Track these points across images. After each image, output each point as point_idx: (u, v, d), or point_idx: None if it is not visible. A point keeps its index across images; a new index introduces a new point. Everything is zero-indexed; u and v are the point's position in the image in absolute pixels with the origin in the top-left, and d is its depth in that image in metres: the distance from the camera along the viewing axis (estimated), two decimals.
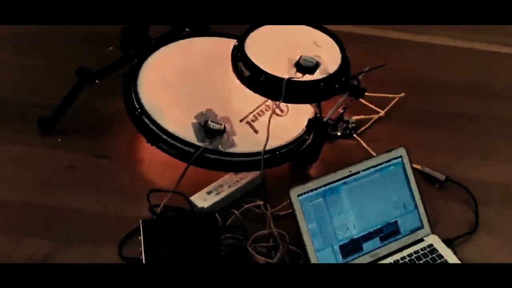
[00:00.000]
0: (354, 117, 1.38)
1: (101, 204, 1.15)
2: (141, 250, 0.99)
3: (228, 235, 1.08)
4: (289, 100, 1.18)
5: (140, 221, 1.01)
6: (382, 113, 1.42)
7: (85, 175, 1.20)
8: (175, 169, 1.17)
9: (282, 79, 1.15)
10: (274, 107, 1.23)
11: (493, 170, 1.33)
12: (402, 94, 1.43)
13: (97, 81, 1.25)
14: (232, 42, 1.26)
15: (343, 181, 1.09)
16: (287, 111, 1.26)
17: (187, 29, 1.44)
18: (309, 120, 1.20)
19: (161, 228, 1.01)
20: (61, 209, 1.14)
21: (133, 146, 1.27)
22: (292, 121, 1.25)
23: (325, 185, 1.07)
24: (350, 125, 1.37)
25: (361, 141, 1.35)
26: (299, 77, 1.17)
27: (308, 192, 1.05)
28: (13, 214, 1.12)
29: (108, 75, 1.28)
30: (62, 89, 1.27)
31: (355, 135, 1.36)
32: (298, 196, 1.04)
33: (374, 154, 1.27)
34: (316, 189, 1.06)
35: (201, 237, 1.01)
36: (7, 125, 1.28)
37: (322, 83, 1.16)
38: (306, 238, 1.04)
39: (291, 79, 1.15)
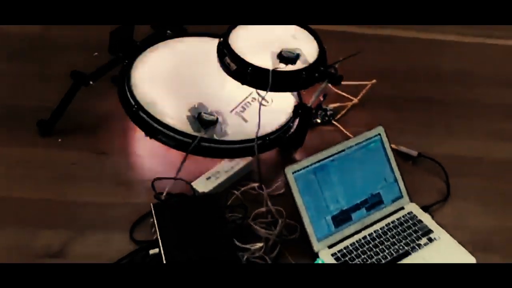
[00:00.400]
0: (331, 105, 1.50)
1: (108, 195, 1.23)
2: (153, 231, 1.07)
3: (230, 214, 1.17)
4: (275, 89, 1.27)
5: (151, 204, 1.09)
6: (355, 100, 1.54)
7: (88, 170, 1.27)
8: (171, 160, 1.26)
9: (268, 70, 1.25)
10: (260, 98, 1.33)
11: (458, 145, 1.47)
12: (374, 81, 1.55)
13: (91, 82, 1.32)
14: (211, 41, 1.36)
15: (331, 158, 1.20)
16: (272, 102, 1.36)
17: (168, 32, 1.53)
18: (295, 106, 1.31)
19: (170, 210, 1.10)
20: (71, 201, 1.21)
21: (129, 141, 1.35)
22: (276, 110, 1.35)
23: (315, 163, 1.18)
24: (328, 113, 1.48)
25: (340, 126, 1.46)
26: (282, 67, 1.28)
27: (301, 169, 1.16)
28: (27, 209, 1.19)
29: (101, 76, 1.35)
30: (55, 93, 1.34)
31: (333, 121, 1.48)
32: (293, 173, 1.15)
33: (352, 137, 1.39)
34: (308, 166, 1.17)
35: (207, 216, 1.10)
36: (10, 129, 1.34)
37: (304, 72, 1.27)
38: (302, 211, 1.15)
39: (276, 69, 1.26)
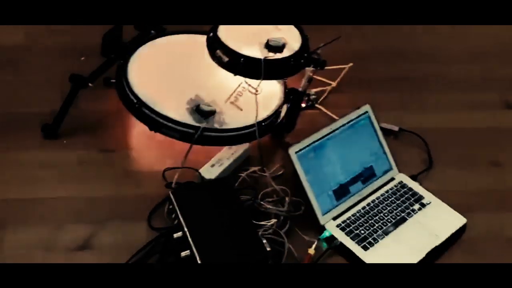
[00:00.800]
0: (313, 90, 1.59)
1: (120, 188, 1.29)
2: (173, 217, 1.14)
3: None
4: (267, 77, 1.35)
5: (170, 192, 1.16)
6: (334, 84, 1.63)
7: (97, 167, 1.33)
8: (173, 151, 1.32)
9: (260, 59, 1.33)
10: (251, 87, 1.41)
11: (434, 117, 1.58)
12: (351, 64, 1.65)
13: (90, 84, 1.37)
14: (195, 37, 1.44)
15: (327, 137, 1.29)
16: (262, 90, 1.44)
17: (152, 31, 1.58)
18: (287, 91, 1.39)
19: (188, 196, 1.17)
20: (85, 197, 1.26)
21: (131, 137, 1.41)
22: (267, 98, 1.42)
23: (314, 142, 1.26)
24: (311, 97, 1.57)
25: (323, 109, 1.56)
26: (272, 56, 1.36)
27: (302, 149, 1.24)
28: (47, 208, 1.24)
29: (98, 78, 1.40)
30: (52, 97, 1.39)
31: (317, 105, 1.57)
32: (295, 153, 1.23)
33: (337, 118, 1.49)
34: (307, 146, 1.25)
35: (223, 198, 1.18)
36: (15, 135, 1.37)
37: (292, 59, 1.35)
38: (306, 187, 1.23)
39: (267, 58, 1.34)
